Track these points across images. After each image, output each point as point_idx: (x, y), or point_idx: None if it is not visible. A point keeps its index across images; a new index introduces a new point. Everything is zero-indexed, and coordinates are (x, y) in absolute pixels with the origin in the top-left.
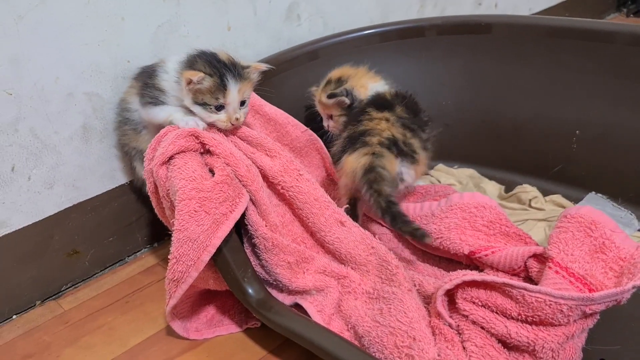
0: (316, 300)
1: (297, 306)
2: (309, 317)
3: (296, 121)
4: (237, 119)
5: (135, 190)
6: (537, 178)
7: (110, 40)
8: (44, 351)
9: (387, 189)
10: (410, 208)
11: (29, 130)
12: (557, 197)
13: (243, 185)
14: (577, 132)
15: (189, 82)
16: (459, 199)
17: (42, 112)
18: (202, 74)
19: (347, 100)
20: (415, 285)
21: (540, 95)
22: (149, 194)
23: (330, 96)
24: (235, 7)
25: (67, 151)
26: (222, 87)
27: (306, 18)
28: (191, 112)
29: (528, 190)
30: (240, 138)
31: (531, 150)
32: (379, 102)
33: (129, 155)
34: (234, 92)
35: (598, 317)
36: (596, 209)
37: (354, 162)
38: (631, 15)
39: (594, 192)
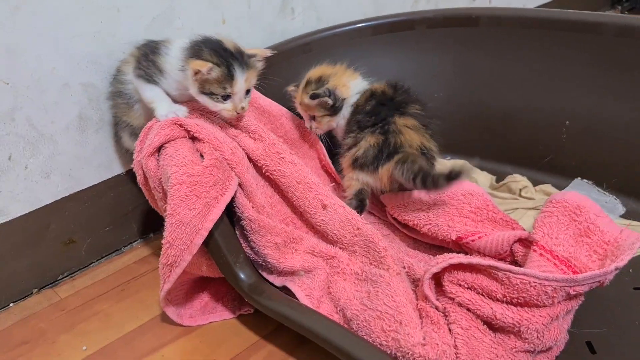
0: (304, 283)
1: (287, 289)
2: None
3: (290, 113)
4: (242, 108)
5: (131, 180)
6: (527, 168)
7: (106, 32)
8: (39, 337)
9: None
10: (399, 196)
11: (26, 120)
12: (547, 187)
13: (230, 168)
14: (567, 122)
15: (197, 72)
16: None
17: (39, 102)
18: (210, 65)
19: (330, 101)
20: (404, 268)
21: (530, 86)
22: (140, 185)
23: (313, 97)
24: (230, 0)
25: (64, 141)
26: (229, 77)
27: (300, 12)
28: (170, 100)
29: (518, 180)
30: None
31: (522, 141)
32: (384, 101)
33: (117, 126)
34: (241, 81)
35: (582, 299)
36: (581, 194)
37: (386, 173)
38: (626, 12)
39: (579, 178)
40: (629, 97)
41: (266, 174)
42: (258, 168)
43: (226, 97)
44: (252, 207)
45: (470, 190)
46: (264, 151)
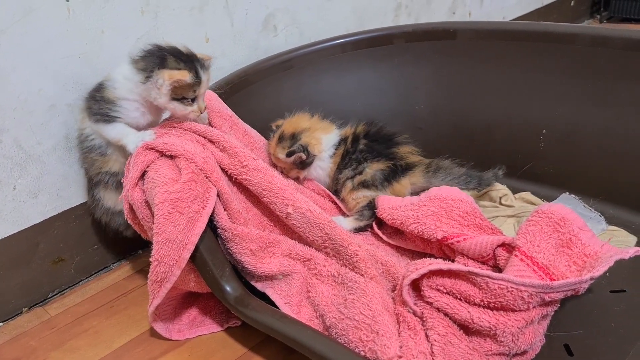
0: (282, 289)
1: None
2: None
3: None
4: (204, 108)
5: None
6: (507, 177)
7: (91, 53)
8: (30, 355)
9: None
10: (392, 200)
11: (13, 141)
12: (526, 194)
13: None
14: (544, 131)
15: (177, 81)
16: (437, 191)
17: (26, 123)
18: (187, 73)
19: (304, 157)
20: (382, 266)
21: (508, 96)
22: (128, 220)
23: (289, 154)
24: (213, 19)
25: (51, 161)
26: (197, 80)
27: (282, 29)
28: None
29: (498, 189)
30: (191, 131)
31: (501, 150)
32: (374, 137)
33: (96, 188)
34: (205, 82)
35: (558, 305)
36: (568, 207)
37: (407, 183)
38: (604, 21)
39: (567, 193)
40: (603, 105)
41: (236, 181)
42: (229, 176)
43: (193, 100)
44: (228, 215)
45: (461, 197)
46: (229, 160)
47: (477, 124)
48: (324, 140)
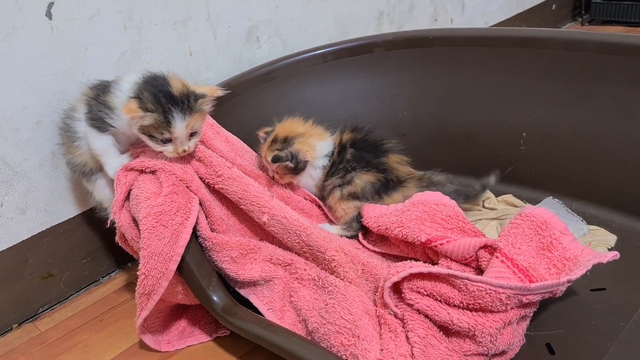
0: (265, 295)
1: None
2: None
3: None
4: (184, 151)
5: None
6: None
7: (75, 70)
8: None
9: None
10: (377, 208)
11: None
12: (509, 197)
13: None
14: (524, 134)
15: (132, 117)
16: (421, 197)
17: (12, 140)
18: (140, 113)
19: (292, 165)
20: (363, 266)
21: (488, 101)
22: (119, 243)
23: (274, 160)
24: (196, 32)
25: (38, 177)
26: (166, 124)
27: (266, 40)
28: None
29: None
30: None
31: (483, 153)
32: (362, 145)
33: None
34: (181, 127)
35: (537, 307)
36: (550, 211)
37: (400, 198)
38: (586, 24)
39: (551, 197)
40: (579, 108)
41: (214, 189)
42: (206, 184)
43: (166, 141)
44: (210, 223)
45: (444, 201)
46: (205, 169)
47: (459, 129)
48: (318, 147)
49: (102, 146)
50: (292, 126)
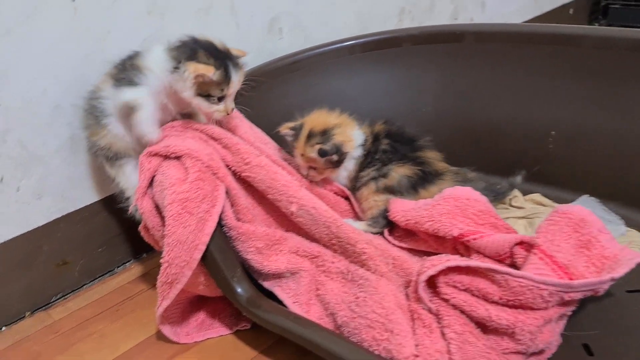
0: (290, 288)
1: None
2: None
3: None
4: (232, 109)
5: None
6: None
7: (97, 54)
8: None
9: None
10: (405, 202)
11: (17, 142)
12: (536, 196)
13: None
14: (553, 132)
15: (199, 76)
16: (452, 191)
17: (30, 123)
18: (213, 69)
19: (336, 158)
20: (393, 260)
21: (516, 98)
22: (141, 233)
23: (322, 154)
24: (218, 21)
25: (56, 162)
26: (227, 79)
27: (287, 32)
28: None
29: None
30: (192, 129)
31: (509, 152)
32: (397, 137)
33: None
34: (235, 82)
35: (576, 305)
36: (587, 209)
37: (437, 191)
38: None
39: (587, 195)
40: (610, 106)
41: (241, 177)
42: (233, 172)
43: (220, 99)
44: (235, 212)
45: (475, 196)
46: (232, 157)
47: (485, 125)
48: (354, 136)
49: (137, 93)
50: (325, 118)
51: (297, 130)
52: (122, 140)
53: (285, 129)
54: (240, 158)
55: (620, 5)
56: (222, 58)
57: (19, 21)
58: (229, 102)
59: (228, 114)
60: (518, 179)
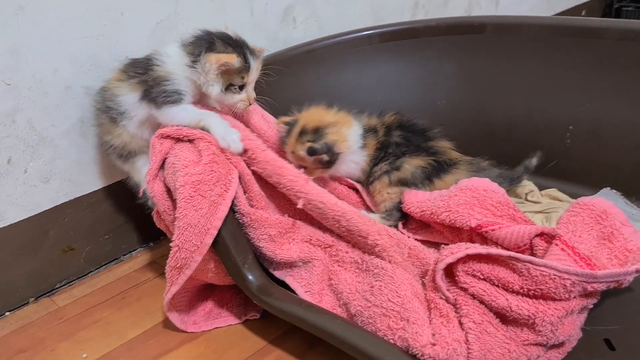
0: (303, 278)
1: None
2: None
3: None
4: (254, 99)
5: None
6: (533, 174)
7: (110, 35)
8: (38, 345)
9: None
10: (419, 194)
11: (27, 122)
12: (553, 191)
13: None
14: (571, 127)
15: (223, 65)
16: (468, 182)
17: (40, 104)
18: (234, 56)
19: (327, 158)
20: (409, 250)
21: (533, 92)
22: (154, 218)
23: (311, 153)
24: (233, 7)
25: (64, 145)
26: (247, 66)
27: (302, 21)
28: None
29: (524, 185)
30: None
31: (526, 146)
32: (410, 128)
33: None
34: (254, 70)
35: (598, 298)
36: (609, 201)
37: (452, 181)
38: None
39: (608, 188)
40: (631, 101)
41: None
42: (245, 162)
43: (241, 87)
44: (248, 198)
45: (492, 187)
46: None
47: (500, 119)
48: (350, 135)
49: (193, 113)
50: (320, 115)
51: (291, 125)
52: (137, 139)
53: (279, 124)
54: (247, 156)
55: (634, 8)
56: (238, 46)
57: None
58: (251, 90)
59: (250, 104)
60: (533, 160)
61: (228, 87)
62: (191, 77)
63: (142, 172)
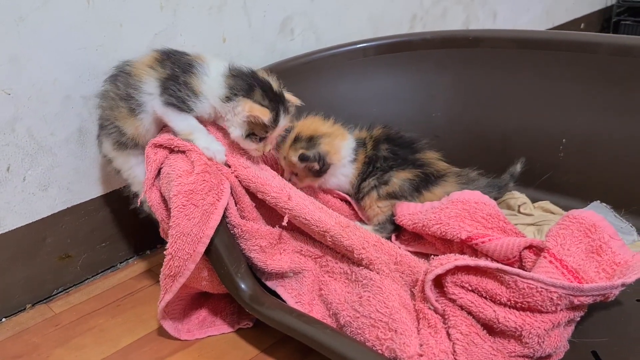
0: (293, 287)
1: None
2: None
3: None
4: (269, 151)
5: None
6: (525, 186)
7: (109, 45)
8: (33, 352)
9: None
10: (411, 206)
11: (26, 131)
12: (545, 204)
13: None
14: (564, 140)
15: (254, 116)
16: (460, 195)
17: (40, 113)
18: (268, 112)
19: (317, 167)
20: (399, 257)
21: (527, 105)
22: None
23: (302, 159)
24: (231, 19)
25: (63, 153)
26: (275, 124)
27: (299, 32)
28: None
29: (517, 197)
30: None
31: (519, 159)
32: (397, 142)
33: (103, 129)
34: (281, 128)
35: (585, 311)
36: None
37: (442, 193)
38: None
39: (598, 201)
40: (624, 114)
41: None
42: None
43: (262, 139)
44: (240, 209)
45: (483, 200)
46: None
47: (495, 132)
48: (343, 148)
49: (190, 126)
50: (316, 125)
51: (286, 132)
52: (148, 134)
53: None
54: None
55: (632, 22)
56: (276, 101)
57: (33, 8)
58: (269, 145)
59: (264, 154)
60: (517, 167)
61: (249, 135)
62: (217, 108)
63: (133, 170)
